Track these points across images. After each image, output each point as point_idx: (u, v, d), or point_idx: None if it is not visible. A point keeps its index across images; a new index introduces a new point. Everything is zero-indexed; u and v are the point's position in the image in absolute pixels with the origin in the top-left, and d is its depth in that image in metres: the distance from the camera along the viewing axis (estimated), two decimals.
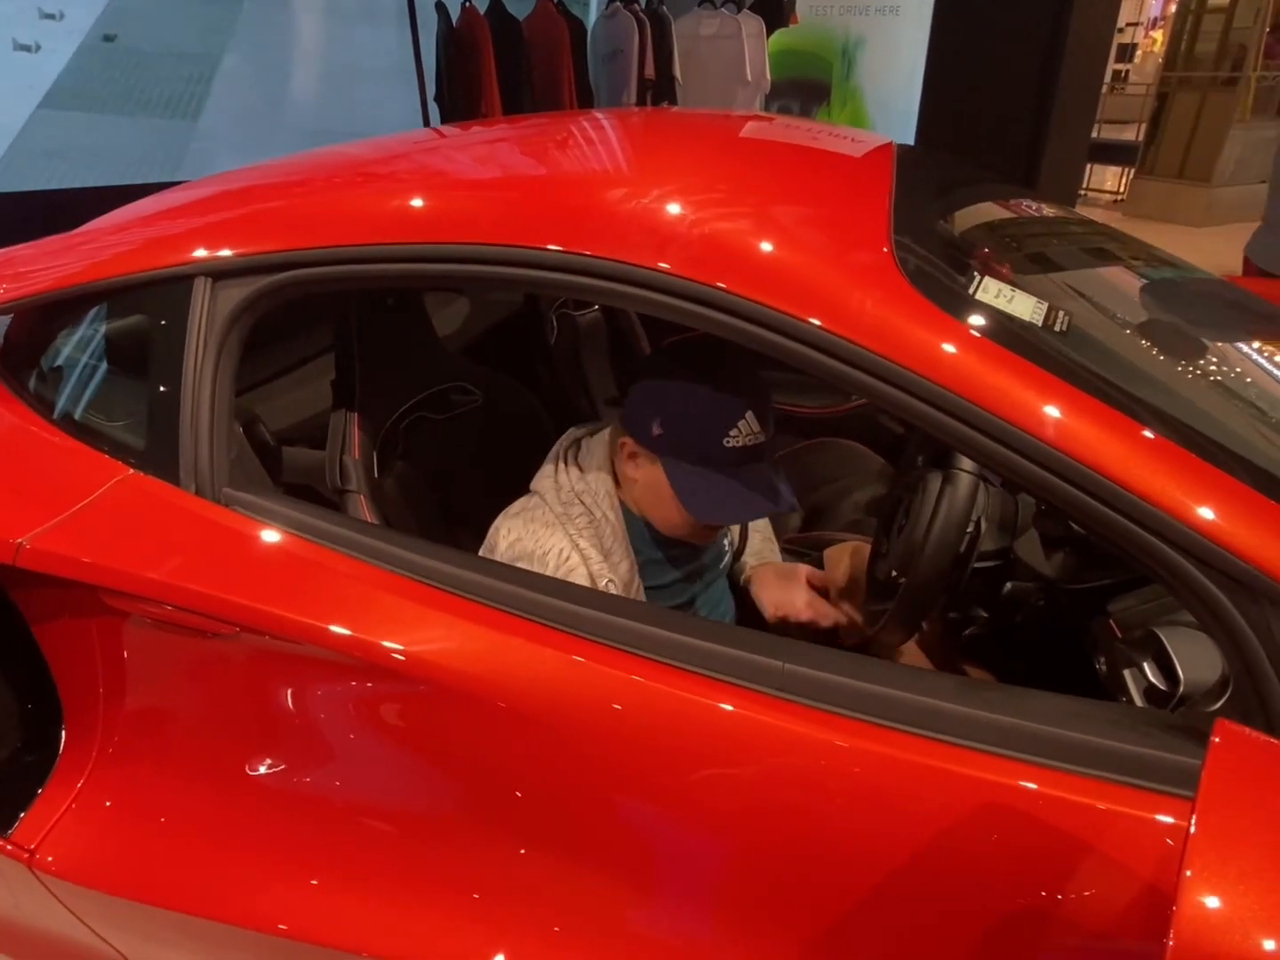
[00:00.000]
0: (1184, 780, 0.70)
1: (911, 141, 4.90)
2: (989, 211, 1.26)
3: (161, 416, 1.06)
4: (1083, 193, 7.87)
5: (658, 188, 0.96)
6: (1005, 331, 0.83)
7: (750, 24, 4.90)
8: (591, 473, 1.13)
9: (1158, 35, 12.24)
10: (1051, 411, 0.75)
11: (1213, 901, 0.51)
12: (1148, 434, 0.76)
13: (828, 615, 1.23)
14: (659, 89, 4.77)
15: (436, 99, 4.72)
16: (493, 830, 0.99)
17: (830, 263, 0.86)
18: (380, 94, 5.09)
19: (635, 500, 1.14)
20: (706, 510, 1.06)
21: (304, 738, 1.04)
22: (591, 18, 5.15)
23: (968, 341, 0.79)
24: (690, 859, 0.92)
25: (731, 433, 1.02)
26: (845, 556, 1.46)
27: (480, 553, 1.12)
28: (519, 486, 1.17)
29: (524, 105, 4.61)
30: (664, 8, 4.75)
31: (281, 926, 1.03)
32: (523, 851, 0.97)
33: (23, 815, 1.10)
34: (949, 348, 0.79)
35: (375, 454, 1.26)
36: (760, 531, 1.45)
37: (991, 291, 0.88)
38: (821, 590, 1.27)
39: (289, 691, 1.02)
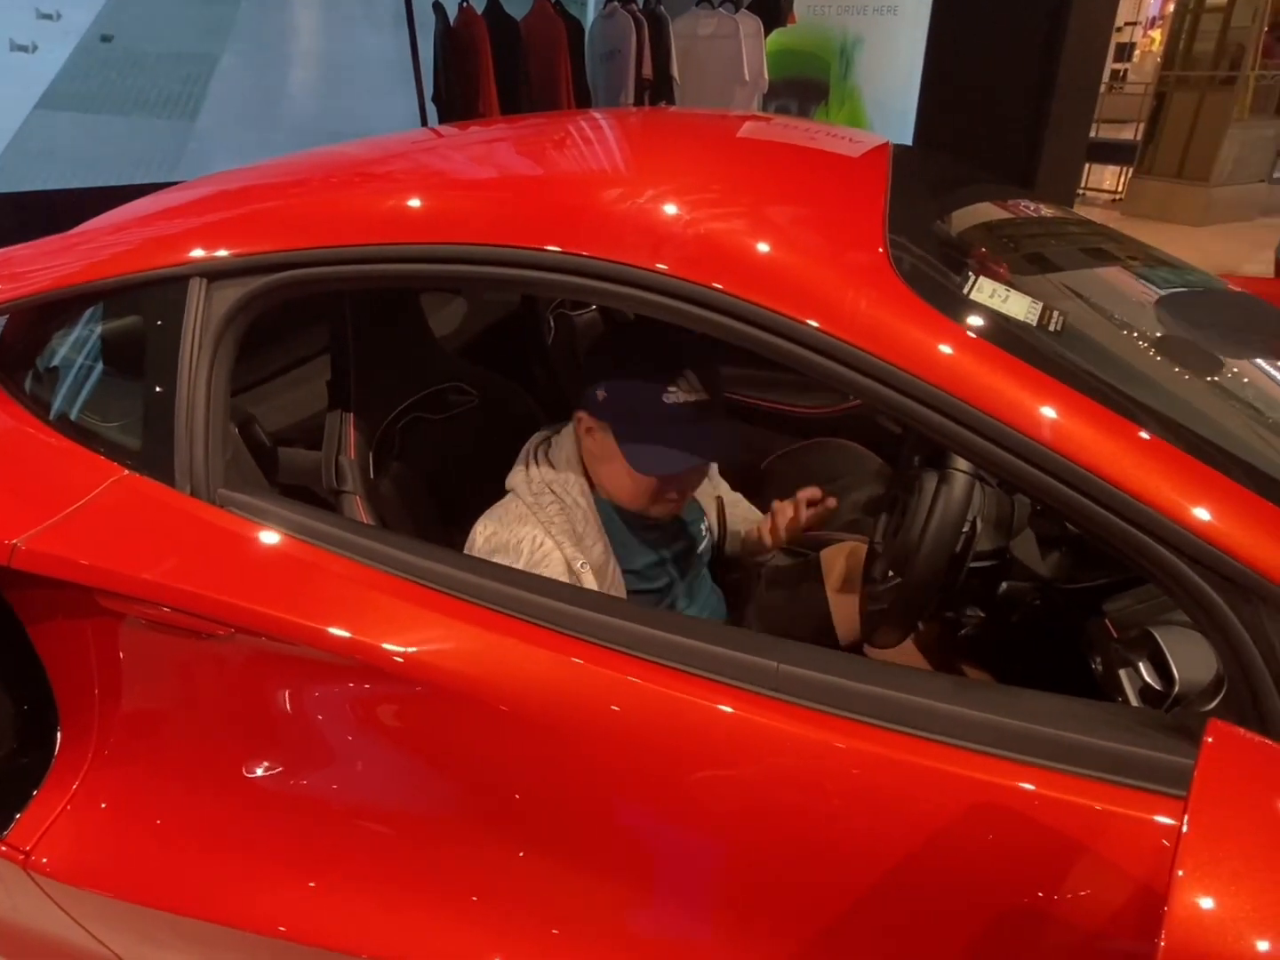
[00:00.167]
0: (1178, 780, 0.70)
1: (910, 141, 4.91)
2: (985, 212, 1.26)
3: (157, 417, 1.06)
4: (1081, 192, 7.88)
5: (654, 188, 0.96)
6: (1000, 331, 0.83)
7: (748, 23, 4.91)
8: (560, 463, 1.18)
9: (1156, 34, 12.26)
10: (1046, 412, 0.75)
11: (1205, 902, 0.50)
12: (1143, 434, 0.76)
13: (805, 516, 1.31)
14: (657, 89, 4.78)
15: (434, 99, 4.72)
16: (490, 832, 0.99)
17: (825, 263, 0.86)
18: (378, 94, 5.09)
19: (598, 477, 1.18)
20: (647, 462, 1.10)
21: (299, 739, 1.04)
22: (589, 17, 5.15)
23: (962, 341, 0.79)
24: (687, 861, 0.92)
25: (670, 389, 1.07)
26: (842, 557, 1.47)
27: (464, 552, 1.13)
28: None
29: (521, 105, 4.61)
30: (661, 7, 4.75)
31: (278, 928, 1.03)
32: (521, 854, 0.97)
33: (18, 817, 1.10)
34: (943, 348, 0.79)
35: (371, 455, 1.26)
36: (745, 516, 1.48)
37: (986, 291, 0.88)
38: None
39: (284, 693, 1.02)
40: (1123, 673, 0.87)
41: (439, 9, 4.43)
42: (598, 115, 1.41)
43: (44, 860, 1.08)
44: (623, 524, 1.20)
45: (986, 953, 0.79)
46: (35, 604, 1.08)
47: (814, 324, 0.81)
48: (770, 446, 1.69)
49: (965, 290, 0.88)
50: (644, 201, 0.94)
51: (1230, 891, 0.51)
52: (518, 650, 0.89)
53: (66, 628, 1.08)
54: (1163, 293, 1.22)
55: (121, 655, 1.07)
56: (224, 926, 1.04)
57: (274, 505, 1.03)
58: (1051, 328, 0.88)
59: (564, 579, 1.11)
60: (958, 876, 0.79)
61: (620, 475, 1.15)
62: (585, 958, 0.96)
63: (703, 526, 1.38)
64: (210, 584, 0.97)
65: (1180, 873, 0.51)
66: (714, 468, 1.50)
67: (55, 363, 1.25)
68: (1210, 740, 0.59)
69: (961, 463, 1.01)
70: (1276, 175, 7.52)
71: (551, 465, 1.18)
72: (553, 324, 1.95)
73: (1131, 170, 7.77)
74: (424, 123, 4.79)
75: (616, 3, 4.64)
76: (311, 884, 1.04)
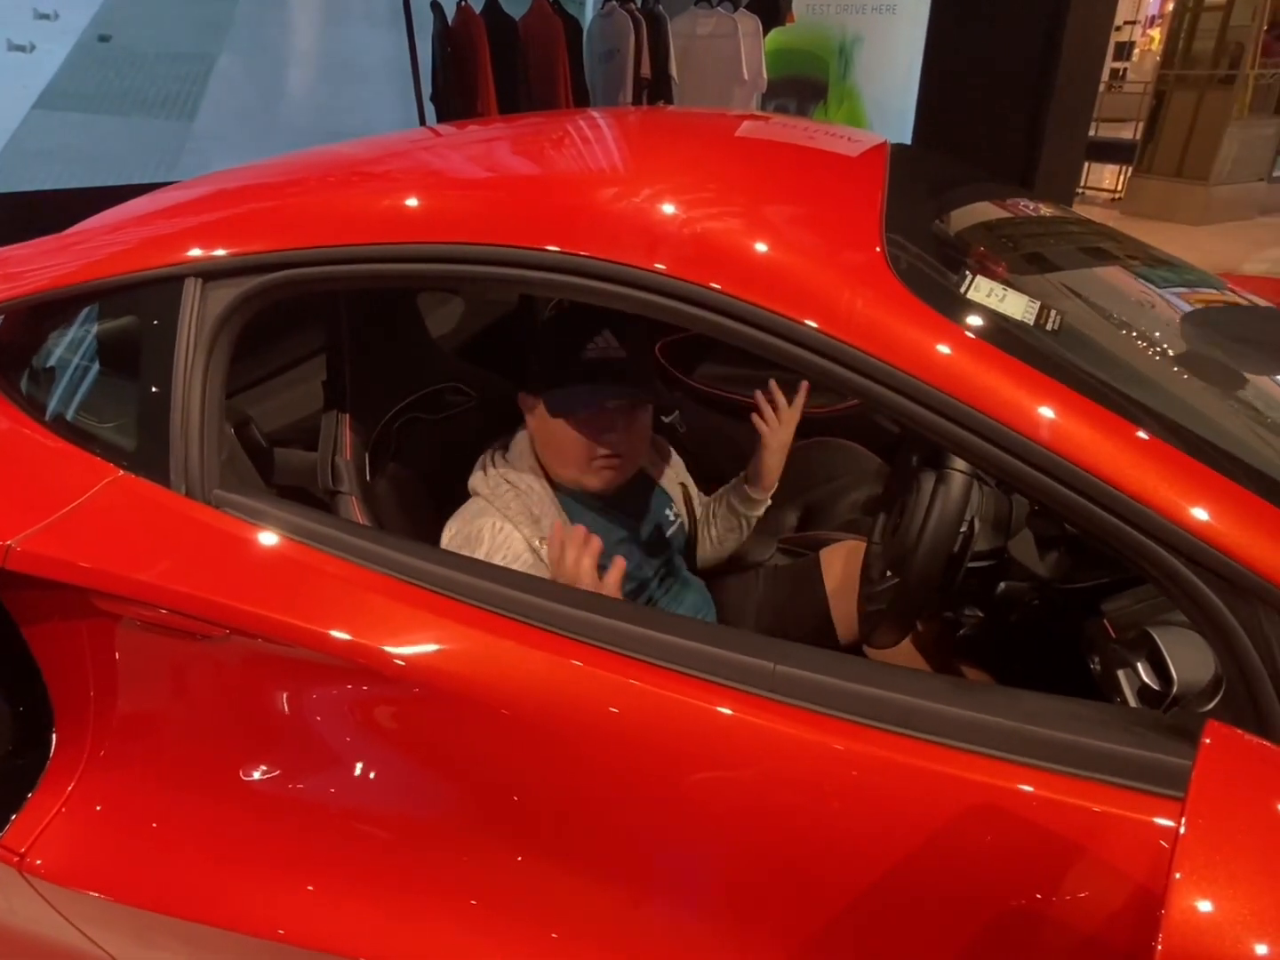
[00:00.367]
0: (1176, 781, 0.70)
1: (908, 140, 4.90)
2: (983, 211, 1.26)
3: (152, 418, 1.06)
4: (1080, 191, 7.87)
5: (652, 188, 0.96)
6: (997, 331, 0.83)
7: (746, 23, 4.90)
8: (514, 458, 1.24)
9: (1155, 33, 12.26)
10: (1043, 411, 0.75)
11: (1203, 905, 0.50)
12: (1141, 434, 0.75)
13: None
14: (655, 88, 4.77)
15: (432, 98, 4.71)
16: (488, 835, 0.98)
17: (822, 262, 0.86)
18: (376, 93, 5.08)
19: (545, 460, 1.23)
20: (560, 404, 1.16)
21: (295, 741, 1.04)
22: (587, 17, 5.15)
23: (959, 341, 0.79)
24: (685, 863, 0.91)
25: (589, 346, 1.14)
26: (842, 556, 1.47)
27: None
28: None
29: (520, 104, 4.60)
30: (660, 7, 4.75)
31: (275, 931, 1.03)
32: (519, 857, 0.96)
33: (13, 819, 1.09)
34: (940, 348, 0.78)
35: (367, 456, 1.26)
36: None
37: (983, 291, 0.88)
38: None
39: (280, 695, 1.02)
40: (1121, 673, 0.86)
41: (437, 8, 4.42)
42: (596, 115, 1.41)
43: (38, 862, 1.07)
44: (579, 506, 1.24)
45: (984, 955, 0.79)
46: (30, 605, 1.07)
47: (812, 324, 0.81)
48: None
49: (963, 290, 0.87)
50: (641, 201, 0.93)
51: (1228, 895, 0.50)
52: (515, 652, 0.89)
53: (62, 629, 1.07)
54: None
55: (117, 657, 1.07)
56: (220, 929, 1.04)
57: (270, 506, 1.03)
58: (1049, 327, 0.88)
59: (526, 559, 1.15)
60: (956, 878, 0.78)
61: (554, 443, 1.20)
62: None
63: (668, 512, 1.40)
64: (205, 585, 0.97)
65: (1178, 875, 0.51)
66: (678, 460, 1.51)
67: (51, 363, 1.25)
68: (1208, 742, 0.59)
69: (959, 462, 1.01)
70: (1276, 174, 7.51)
71: (507, 462, 1.24)
72: None
73: (1131, 169, 7.77)
74: (422, 122, 4.79)
75: (615, 2, 4.63)
76: (309, 887, 1.03)
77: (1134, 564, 0.75)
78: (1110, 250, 1.35)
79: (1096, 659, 0.93)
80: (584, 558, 1.01)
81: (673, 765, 0.86)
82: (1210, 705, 0.76)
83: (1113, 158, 8.10)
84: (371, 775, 1.01)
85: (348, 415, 1.25)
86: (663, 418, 1.99)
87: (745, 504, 1.46)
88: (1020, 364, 0.78)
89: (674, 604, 1.39)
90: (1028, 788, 0.74)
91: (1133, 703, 0.84)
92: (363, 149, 1.32)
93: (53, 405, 1.19)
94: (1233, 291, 1.34)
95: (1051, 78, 4.34)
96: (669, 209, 0.91)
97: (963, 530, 1.03)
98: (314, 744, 1.03)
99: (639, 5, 4.69)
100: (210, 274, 1.05)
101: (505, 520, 1.16)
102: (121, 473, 1.07)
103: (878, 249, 0.86)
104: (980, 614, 1.24)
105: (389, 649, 0.91)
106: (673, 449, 1.52)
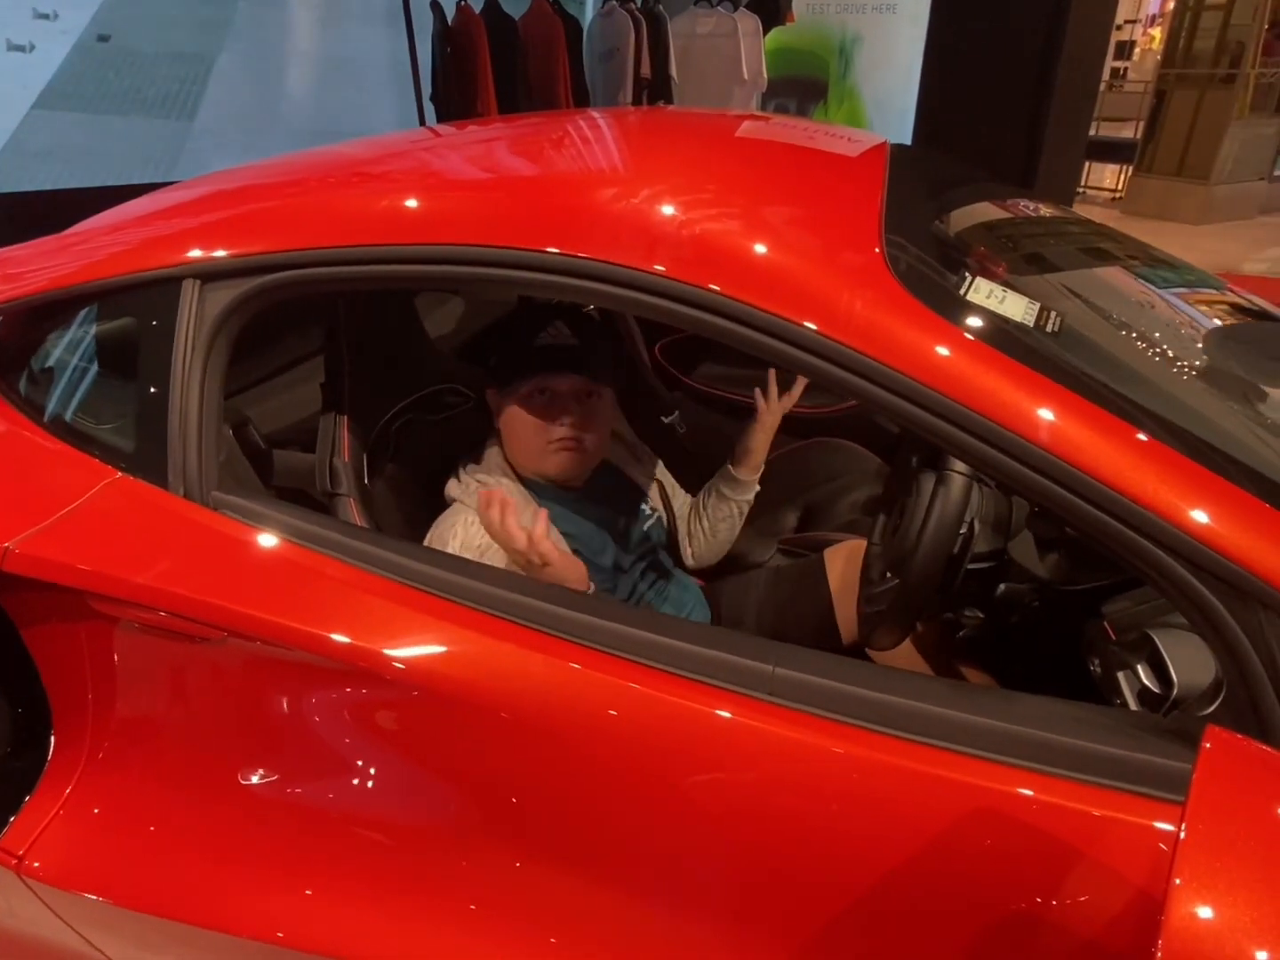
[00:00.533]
0: (1176, 785, 0.70)
1: (909, 140, 4.90)
2: (983, 211, 1.25)
3: (150, 419, 1.06)
4: (1081, 190, 7.86)
5: (651, 189, 0.96)
6: (996, 333, 0.83)
7: (746, 22, 4.89)
8: (485, 460, 1.28)
9: (1156, 32, 12.23)
10: (1043, 414, 0.75)
11: (1203, 911, 0.50)
12: (1140, 436, 0.75)
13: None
14: (655, 88, 4.76)
15: (432, 98, 4.71)
16: (487, 837, 0.98)
17: (821, 264, 0.86)
18: (375, 93, 5.08)
19: (511, 455, 1.26)
20: (514, 390, 1.21)
21: (293, 744, 1.04)
22: (587, 16, 5.14)
23: (958, 343, 0.79)
24: (685, 866, 0.91)
25: (541, 335, 1.20)
26: (844, 556, 1.47)
27: None
28: None
29: (519, 104, 4.59)
30: (660, 6, 4.74)
31: (274, 934, 1.02)
32: (518, 860, 0.96)
33: (11, 820, 1.09)
34: (939, 350, 0.78)
35: (365, 457, 1.25)
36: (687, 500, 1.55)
37: (983, 292, 0.87)
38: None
39: (278, 697, 1.02)
40: (1121, 675, 0.86)
41: (437, 8, 4.42)
42: (596, 115, 1.41)
43: (36, 865, 1.07)
44: (550, 500, 1.26)
45: (983, 959, 0.79)
46: (28, 607, 1.07)
47: (811, 326, 0.81)
48: (769, 446, 1.69)
49: (962, 291, 0.87)
50: (640, 202, 0.93)
51: (1228, 901, 0.50)
52: (514, 655, 0.89)
53: (60, 631, 1.07)
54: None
55: (115, 659, 1.07)
56: (218, 932, 1.04)
57: (268, 508, 1.03)
58: (1049, 329, 0.88)
59: (495, 550, 1.14)
60: (954, 882, 0.78)
61: (514, 432, 1.24)
62: None
63: (644, 506, 1.41)
64: (203, 587, 0.96)
65: (1178, 881, 0.50)
66: (654, 458, 1.53)
67: (50, 364, 1.24)
68: (1208, 746, 0.58)
69: (959, 464, 1.01)
70: (1277, 173, 7.50)
71: (479, 466, 1.27)
72: None
73: (1131, 169, 7.76)
74: (422, 122, 4.79)
75: (615, 2, 4.63)
76: (307, 890, 1.03)
77: (1134, 567, 0.74)
78: (1110, 250, 1.35)
79: (1096, 661, 0.93)
80: (506, 516, 1.01)
81: (672, 768, 0.86)
82: (1211, 708, 0.76)
83: (1113, 157, 8.09)
84: (370, 778, 1.01)
85: (346, 417, 1.25)
86: (662, 418, 1.99)
87: (733, 488, 1.48)
88: (1020, 366, 0.78)
89: (664, 603, 1.39)
90: (1027, 791, 0.73)
91: (1133, 705, 0.84)
92: (362, 149, 1.32)
93: (51, 407, 1.19)
94: (1233, 291, 1.33)
95: (1052, 77, 4.33)
96: (668, 210, 0.91)
97: (962, 532, 1.03)
98: (312, 747, 1.03)
99: (639, 5, 4.69)
100: (208, 275, 1.04)
101: (476, 514, 1.17)
102: (119, 474, 1.07)
103: (877, 250, 0.86)
104: (980, 615, 1.24)
105: (387, 652, 0.90)
106: (648, 447, 1.55)
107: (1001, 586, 1.14)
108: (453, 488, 1.25)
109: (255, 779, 1.05)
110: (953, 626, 1.28)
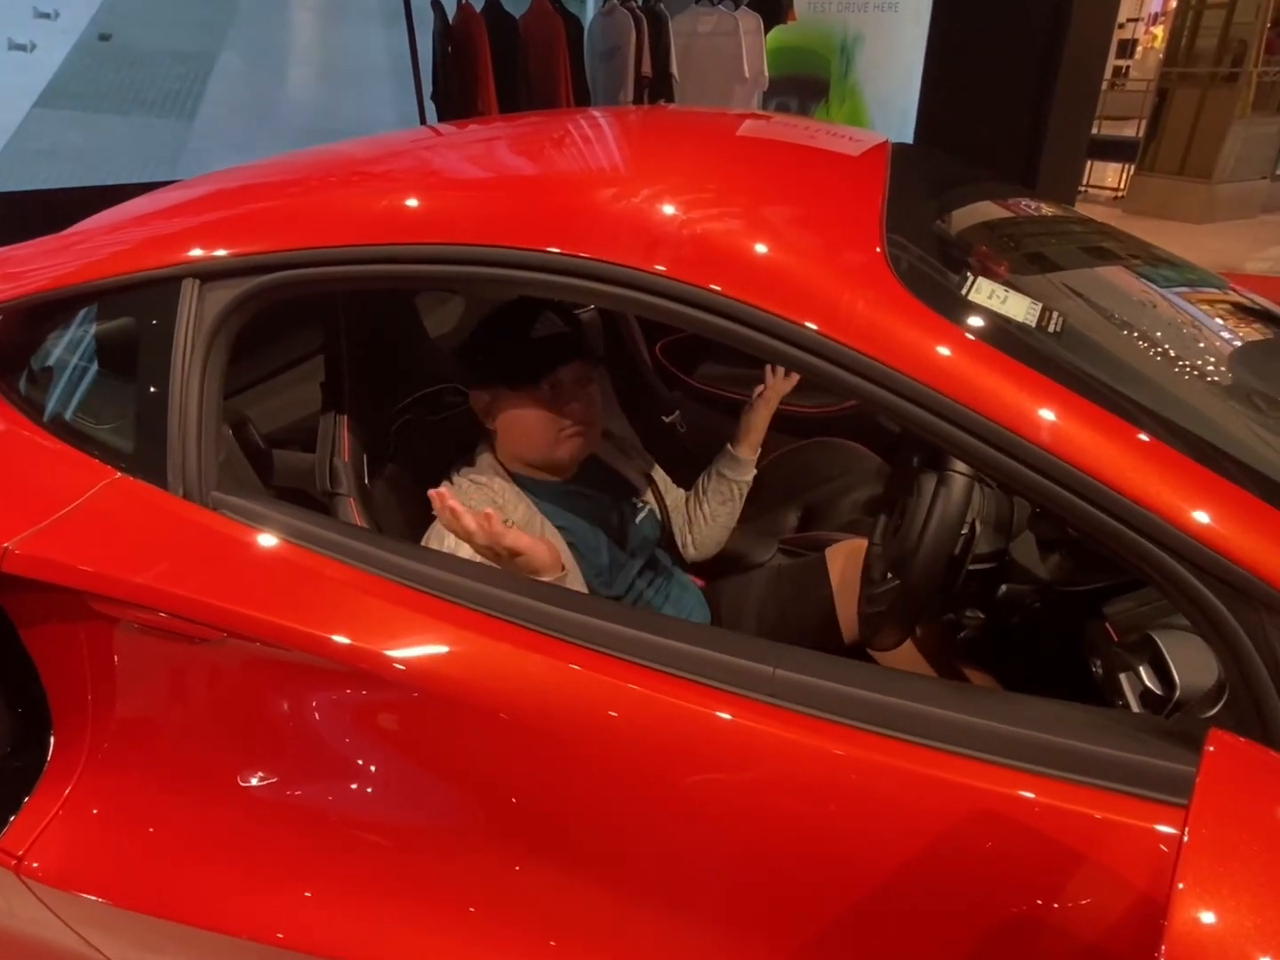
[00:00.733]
0: (1179, 788, 0.70)
1: (910, 139, 4.89)
2: (985, 210, 1.25)
3: (150, 419, 1.05)
4: (1083, 189, 7.85)
5: (652, 188, 0.95)
6: (998, 333, 0.82)
7: (748, 21, 4.88)
8: (476, 463, 1.28)
9: (1158, 31, 12.20)
10: (1045, 415, 0.74)
11: (1206, 916, 0.49)
12: (1142, 436, 0.75)
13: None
14: (656, 86, 4.76)
15: (433, 97, 4.70)
16: (486, 839, 0.98)
17: (822, 264, 0.85)
18: (376, 92, 5.07)
19: (509, 451, 1.27)
20: (523, 373, 1.20)
21: (293, 744, 1.03)
22: (588, 15, 5.13)
23: (960, 344, 0.78)
24: (685, 868, 0.91)
25: (535, 327, 1.20)
26: (846, 555, 1.47)
27: None
28: None
29: (520, 103, 4.59)
30: (661, 5, 4.73)
31: (274, 935, 1.02)
32: (518, 862, 0.96)
33: (11, 820, 1.09)
34: (941, 350, 0.78)
35: (365, 457, 1.25)
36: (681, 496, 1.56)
37: (984, 292, 0.87)
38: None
39: (277, 698, 1.01)
40: (1123, 676, 0.86)
41: (437, 6, 4.41)
42: (597, 114, 1.40)
43: (36, 865, 1.07)
44: (541, 498, 1.26)
45: None
46: (28, 607, 1.07)
47: (812, 326, 0.80)
48: (770, 446, 1.70)
49: (964, 291, 0.87)
50: (641, 202, 0.93)
51: (1231, 906, 0.50)
52: (514, 656, 0.89)
53: (59, 631, 1.07)
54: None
55: (115, 659, 1.07)
56: (218, 933, 1.04)
57: (267, 508, 1.02)
58: (1051, 329, 0.87)
59: None
60: (955, 885, 0.78)
61: (520, 426, 1.23)
62: None
63: (635, 500, 1.42)
64: (203, 588, 0.96)
65: (1181, 885, 0.50)
66: (645, 454, 1.53)
67: (50, 364, 1.24)
68: (1212, 750, 0.58)
69: (960, 464, 1.01)
70: (1279, 172, 7.49)
71: (472, 468, 1.28)
72: None
73: (1133, 167, 7.75)
74: (422, 120, 4.78)
75: (615, 0, 4.62)
76: (307, 891, 1.03)
77: (1136, 568, 0.74)
78: (1112, 250, 1.35)
79: (1098, 662, 0.92)
80: (462, 517, 0.99)
81: (672, 769, 0.85)
82: (1213, 710, 0.75)
83: (1115, 156, 8.08)
84: (369, 779, 1.01)
85: (346, 416, 1.25)
86: (663, 417, 1.99)
87: (734, 467, 1.50)
88: (1022, 366, 0.77)
89: (665, 603, 1.39)
90: (1028, 793, 0.73)
91: (1135, 707, 0.84)
92: (363, 148, 1.31)
93: (51, 406, 1.19)
94: (1236, 290, 1.33)
95: (1054, 76, 4.33)
96: (669, 210, 0.91)
97: (964, 532, 1.03)
98: (312, 747, 1.03)
99: (640, 3, 4.68)
100: (208, 275, 1.04)
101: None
102: (119, 475, 1.07)
103: (878, 250, 0.85)
104: (981, 616, 1.24)
105: (387, 653, 0.90)
106: (640, 444, 1.56)
107: (1003, 587, 1.14)
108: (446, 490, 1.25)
109: (254, 780, 1.05)
110: (954, 627, 1.28)
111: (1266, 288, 1.49)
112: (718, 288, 0.83)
